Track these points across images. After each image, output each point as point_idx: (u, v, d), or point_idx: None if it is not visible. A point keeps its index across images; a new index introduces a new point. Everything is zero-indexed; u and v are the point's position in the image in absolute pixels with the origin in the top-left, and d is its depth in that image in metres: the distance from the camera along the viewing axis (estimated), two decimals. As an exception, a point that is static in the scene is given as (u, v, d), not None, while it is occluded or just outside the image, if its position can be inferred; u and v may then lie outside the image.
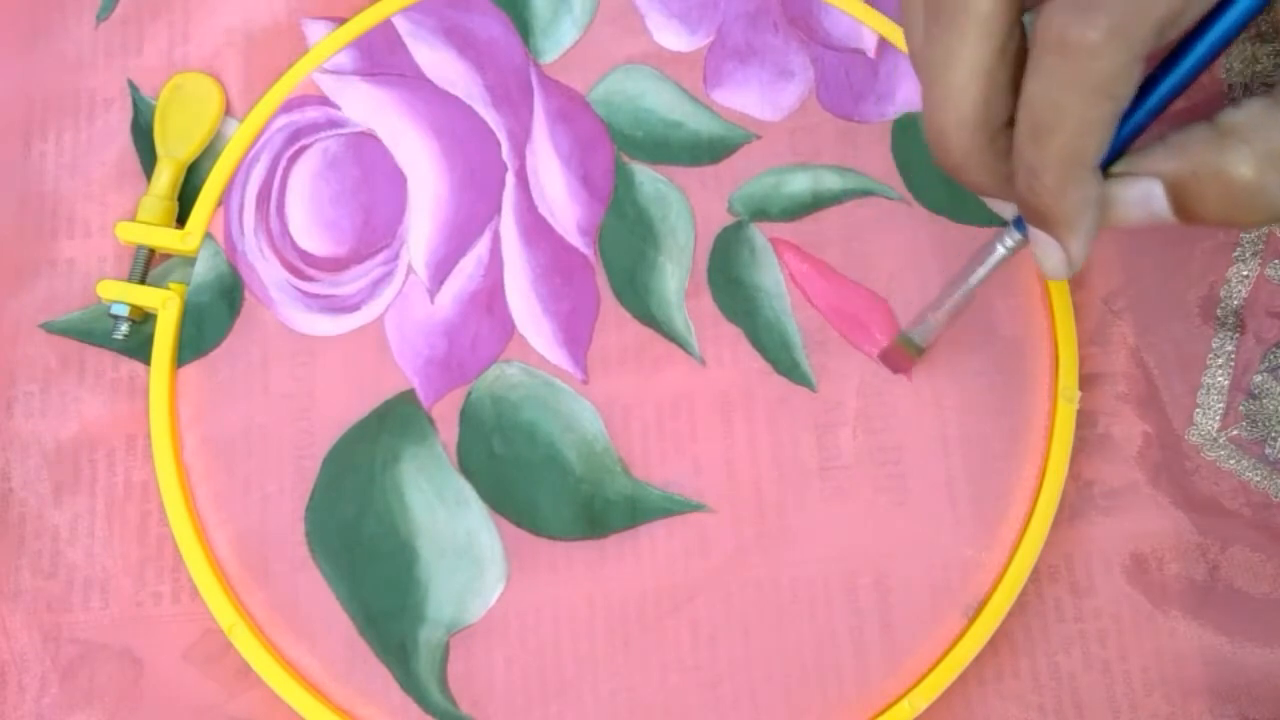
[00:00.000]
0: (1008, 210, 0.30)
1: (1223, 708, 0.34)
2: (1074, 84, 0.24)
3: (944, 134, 0.27)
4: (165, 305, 0.37)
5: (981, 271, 0.31)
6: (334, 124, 0.39)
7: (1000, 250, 0.31)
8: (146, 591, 0.35)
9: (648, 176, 0.38)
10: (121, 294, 0.37)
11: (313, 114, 0.39)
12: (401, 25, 0.40)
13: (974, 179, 0.28)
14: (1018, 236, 0.30)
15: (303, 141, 0.38)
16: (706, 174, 0.38)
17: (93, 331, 0.37)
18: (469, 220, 0.38)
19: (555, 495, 0.35)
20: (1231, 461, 0.36)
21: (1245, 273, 0.37)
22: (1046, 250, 0.27)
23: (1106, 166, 0.27)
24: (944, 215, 0.37)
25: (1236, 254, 0.37)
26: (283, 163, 0.38)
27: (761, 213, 0.38)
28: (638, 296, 0.37)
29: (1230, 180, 0.25)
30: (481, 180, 0.38)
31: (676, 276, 0.37)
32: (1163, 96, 0.27)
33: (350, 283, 0.37)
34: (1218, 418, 0.36)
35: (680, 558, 0.35)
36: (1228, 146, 0.25)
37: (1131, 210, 0.27)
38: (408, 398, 0.36)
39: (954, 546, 0.35)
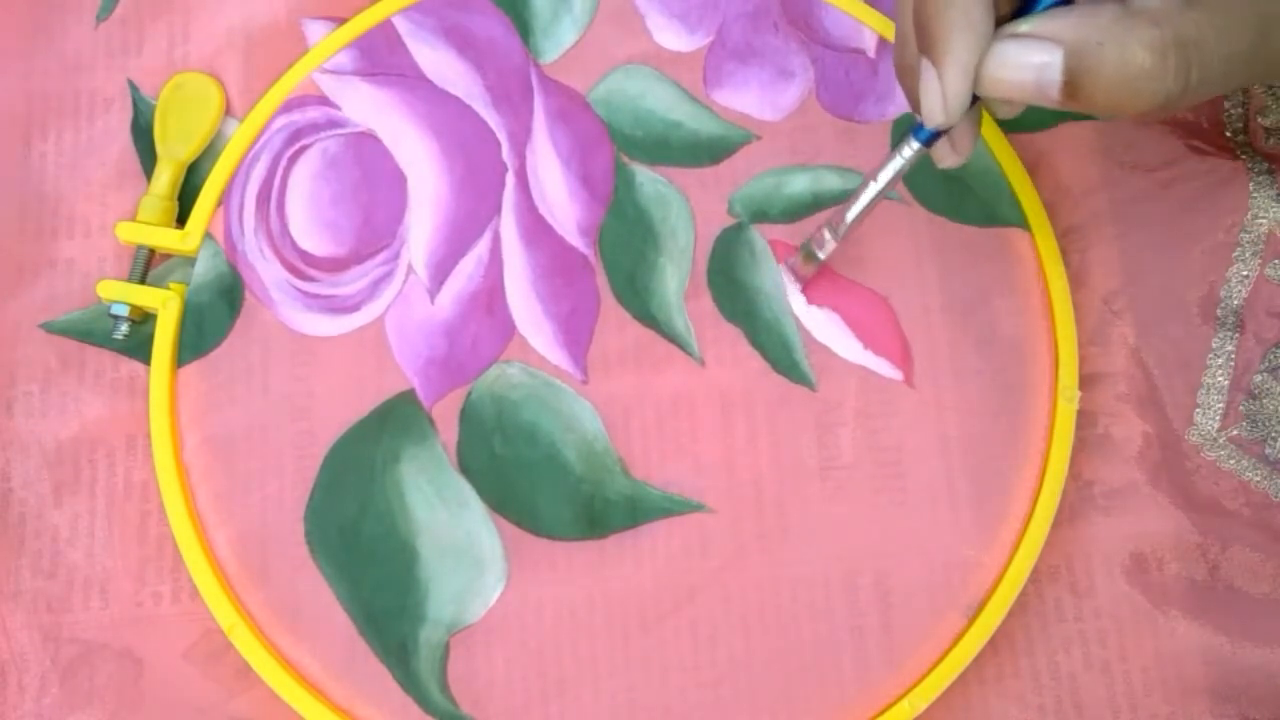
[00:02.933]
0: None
1: (1223, 708, 0.34)
2: None
3: (904, 36, 0.29)
4: (165, 305, 0.37)
5: (882, 180, 0.32)
6: (334, 124, 0.39)
7: (898, 160, 0.31)
8: (146, 591, 0.35)
9: (648, 177, 0.38)
10: (121, 294, 0.37)
11: (313, 114, 0.39)
12: (401, 25, 0.40)
13: (916, 84, 0.29)
14: (916, 145, 0.31)
15: (303, 141, 0.38)
16: (706, 175, 0.38)
17: (93, 331, 0.37)
18: (469, 220, 0.38)
19: (555, 495, 0.35)
20: (1231, 461, 0.36)
21: (1245, 273, 0.37)
22: (928, 85, 0.28)
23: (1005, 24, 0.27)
24: (944, 215, 0.37)
25: (1236, 254, 0.37)
26: (283, 163, 0.38)
27: (762, 214, 0.38)
28: (638, 297, 0.37)
29: (1131, 59, 0.25)
30: (481, 180, 0.38)
31: (676, 277, 0.37)
32: None
33: (350, 283, 0.37)
34: (1218, 418, 0.36)
35: (680, 558, 0.35)
36: (1137, 25, 0.25)
37: (1020, 74, 0.27)
38: (408, 398, 0.36)
39: (954, 546, 0.35)
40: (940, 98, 0.28)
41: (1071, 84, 0.26)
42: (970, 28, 0.27)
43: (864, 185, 0.33)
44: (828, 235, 0.34)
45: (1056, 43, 0.26)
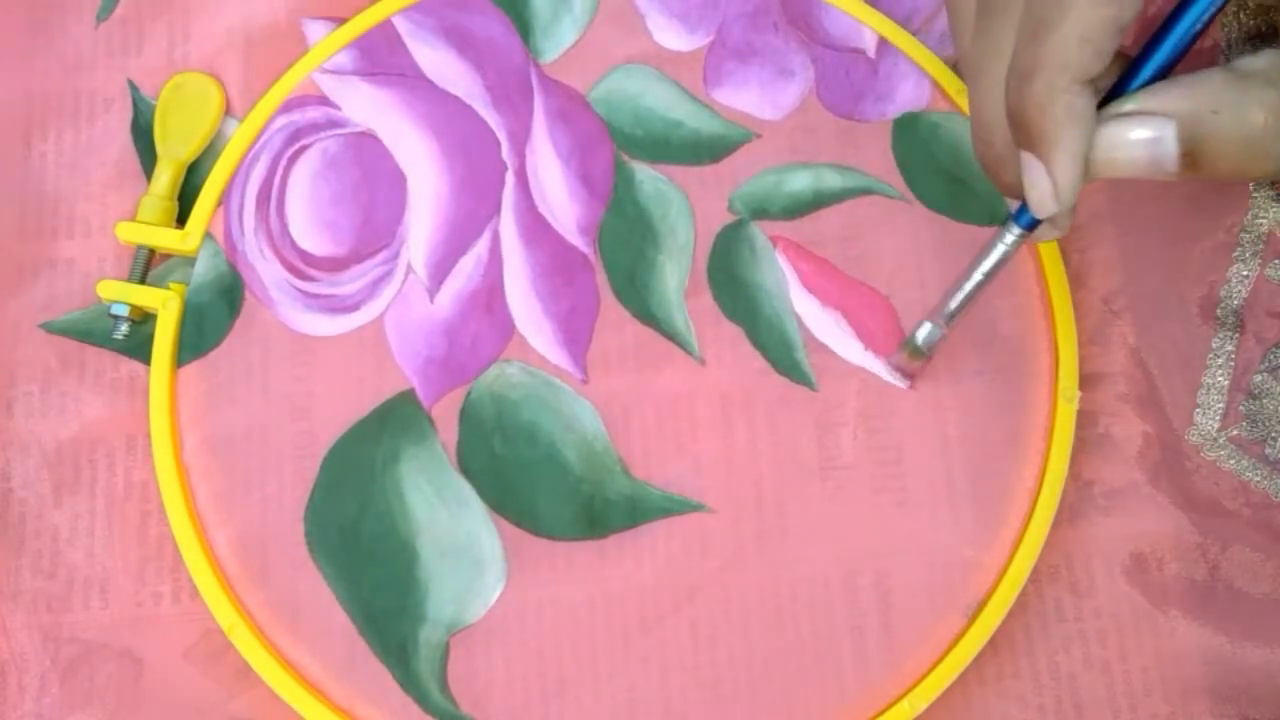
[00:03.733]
0: (1015, 207, 0.30)
1: (1223, 708, 0.34)
2: None
3: (987, 126, 0.27)
4: (165, 305, 0.37)
5: (985, 267, 0.31)
6: (334, 124, 0.39)
7: (1000, 247, 0.31)
8: (146, 591, 0.35)
9: (648, 176, 0.38)
10: (121, 294, 0.37)
11: (313, 114, 0.39)
12: (401, 25, 0.39)
13: (1013, 173, 0.28)
14: (1017, 231, 0.30)
15: (303, 141, 0.38)
16: (707, 173, 0.38)
17: (93, 331, 0.37)
18: (469, 220, 0.38)
19: (555, 495, 0.35)
20: (1231, 461, 0.36)
21: (1245, 273, 0.37)
22: (1034, 176, 0.27)
23: (1107, 104, 0.26)
24: (944, 214, 0.37)
25: (1236, 254, 0.37)
26: (283, 163, 0.38)
27: (762, 211, 0.38)
28: (638, 296, 0.37)
29: (1251, 121, 0.25)
30: (481, 180, 0.38)
31: (676, 276, 0.37)
32: (1167, 51, 0.26)
33: (350, 283, 0.37)
34: (1218, 418, 0.36)
35: (680, 558, 0.35)
36: (1249, 88, 0.25)
37: (1134, 152, 0.26)
38: (408, 398, 0.36)
39: (954, 546, 0.35)
40: (1051, 190, 0.27)
41: (1190, 155, 0.25)
42: (1077, 120, 0.26)
43: (967, 274, 0.32)
44: (930, 326, 0.33)
45: (1168, 116, 0.25)
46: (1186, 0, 0.26)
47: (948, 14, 0.29)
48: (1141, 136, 0.26)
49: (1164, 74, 0.27)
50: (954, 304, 0.32)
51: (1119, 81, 0.27)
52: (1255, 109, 0.25)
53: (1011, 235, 0.31)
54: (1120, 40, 0.25)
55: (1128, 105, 0.26)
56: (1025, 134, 0.27)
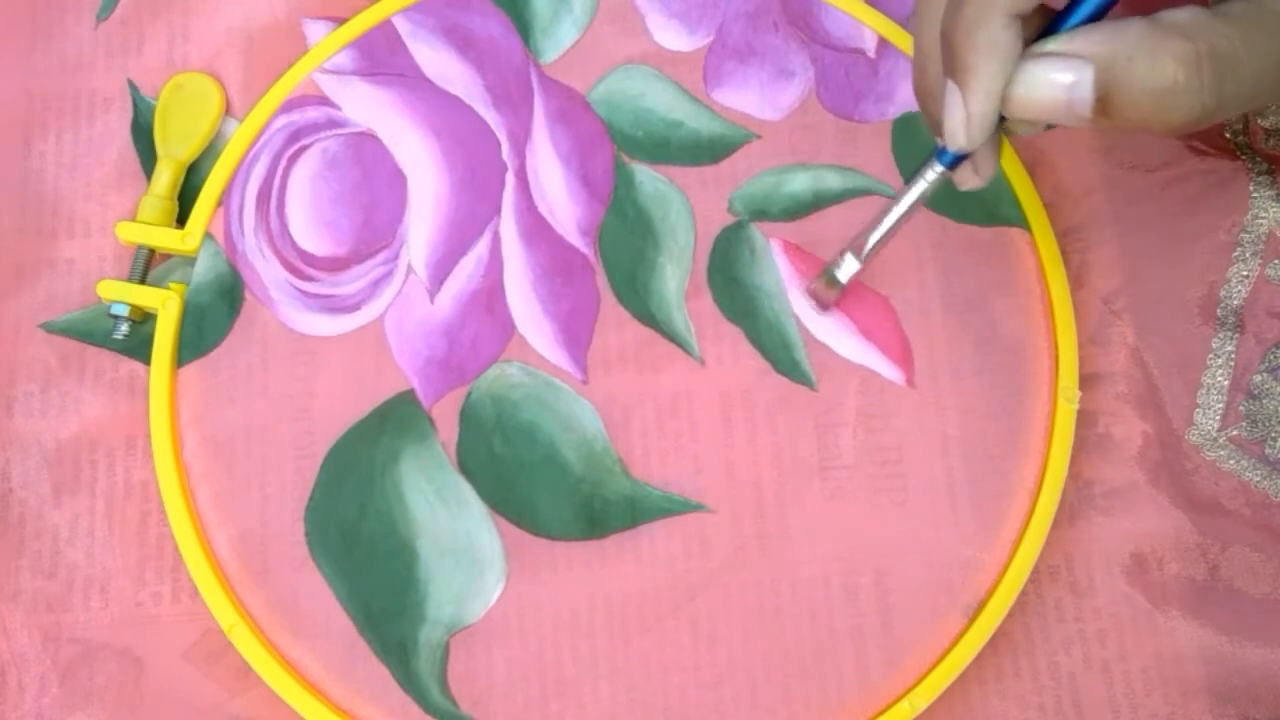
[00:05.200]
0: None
1: (1223, 708, 0.34)
2: None
3: (923, 56, 0.28)
4: (165, 305, 0.37)
5: (905, 203, 0.32)
6: (334, 124, 0.39)
7: (921, 183, 0.31)
8: (146, 591, 0.35)
9: (648, 176, 0.38)
10: (121, 294, 0.37)
11: (313, 114, 0.39)
12: (401, 25, 0.39)
13: (938, 107, 0.28)
14: (938, 168, 0.31)
15: (303, 141, 0.38)
16: (706, 174, 0.38)
17: (93, 331, 0.37)
18: (469, 220, 0.38)
19: (555, 495, 0.35)
20: (1231, 461, 0.36)
21: (1245, 273, 0.37)
22: (952, 108, 0.27)
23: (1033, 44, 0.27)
24: (944, 214, 0.37)
25: (1236, 254, 0.37)
26: (283, 163, 0.38)
27: (762, 212, 0.38)
28: (638, 296, 0.37)
29: (1163, 72, 0.25)
30: (481, 180, 0.38)
31: (676, 276, 0.37)
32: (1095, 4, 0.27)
33: (350, 283, 0.37)
34: (1218, 418, 0.36)
35: (680, 558, 0.35)
36: (1168, 38, 0.25)
37: (1050, 92, 0.26)
38: (408, 398, 0.36)
39: (954, 546, 0.35)
40: (964, 122, 0.27)
41: (1103, 100, 0.26)
42: (998, 52, 0.26)
43: (887, 209, 0.32)
44: (850, 258, 0.34)
45: (1086, 60, 0.26)
46: None
47: None
48: (1059, 77, 0.26)
49: (1096, 19, 0.27)
50: (874, 238, 0.33)
51: (1047, 26, 0.27)
52: (1169, 60, 0.25)
53: (933, 172, 0.31)
54: None
55: (1049, 45, 0.26)
56: (951, 62, 0.27)
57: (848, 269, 0.34)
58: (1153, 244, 0.37)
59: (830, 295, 0.36)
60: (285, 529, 0.35)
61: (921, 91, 0.30)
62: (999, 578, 0.34)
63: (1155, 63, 0.25)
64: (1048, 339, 0.36)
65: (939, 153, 0.30)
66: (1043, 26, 0.27)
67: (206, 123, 0.39)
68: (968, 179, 0.31)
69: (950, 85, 0.27)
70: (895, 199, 0.32)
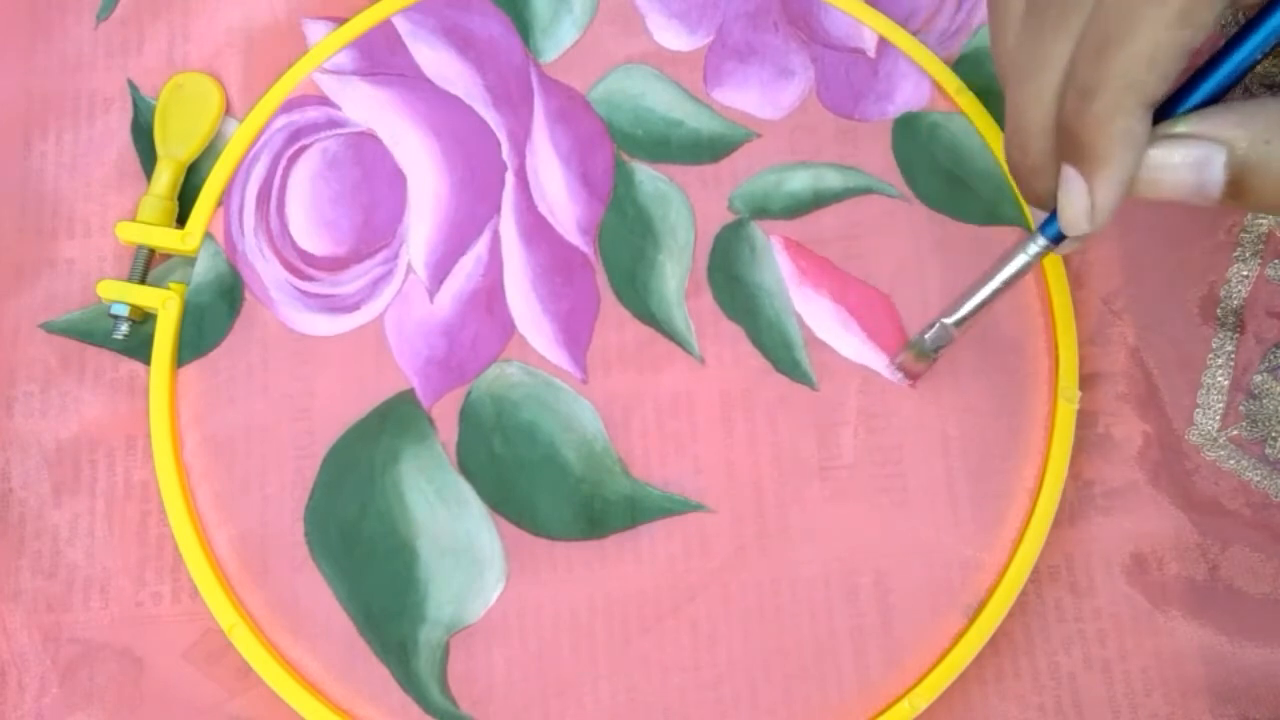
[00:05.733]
0: (1040, 217, 0.29)
1: (1223, 708, 0.34)
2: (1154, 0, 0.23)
3: (1026, 133, 0.27)
4: (165, 305, 0.37)
5: (1004, 275, 0.30)
6: (334, 124, 0.39)
7: (1023, 257, 0.30)
8: (146, 591, 0.35)
9: (648, 175, 0.38)
10: (121, 294, 0.37)
11: (313, 114, 0.39)
12: (401, 25, 0.39)
13: (1046, 184, 0.27)
14: (1042, 243, 0.29)
15: (303, 141, 0.38)
16: (706, 173, 0.38)
17: (93, 331, 0.37)
18: (469, 220, 0.38)
19: (555, 495, 0.35)
20: (1231, 461, 0.36)
21: (1245, 273, 0.37)
22: (1073, 195, 0.26)
23: (1158, 120, 0.26)
24: (944, 213, 0.37)
25: (1236, 254, 0.37)
26: (283, 163, 0.38)
27: (762, 211, 0.38)
28: (638, 295, 0.37)
29: None
30: (481, 180, 0.38)
31: (676, 275, 0.37)
32: (1230, 70, 0.26)
33: (350, 282, 0.37)
34: (1218, 418, 0.36)
35: (680, 558, 0.35)
36: None
37: (1180, 175, 0.25)
38: (407, 397, 0.36)
39: (954, 546, 0.35)
40: (1088, 209, 0.26)
41: (1236, 184, 0.25)
42: (1132, 144, 0.25)
43: (984, 280, 0.31)
44: (941, 328, 0.33)
45: (1219, 142, 0.25)
46: (1249, 25, 0.25)
47: (988, 8, 0.28)
48: (1190, 160, 0.25)
49: (1216, 99, 0.26)
50: (967, 309, 0.32)
51: (1167, 103, 0.26)
52: None
53: (1036, 246, 0.30)
54: (1186, 64, 0.24)
55: (1179, 127, 0.25)
56: (1075, 150, 0.26)
57: (937, 338, 0.33)
58: (1153, 244, 0.37)
59: (919, 367, 0.35)
60: (285, 529, 0.35)
61: (1023, 170, 0.28)
62: (999, 578, 0.34)
63: None
64: (1048, 339, 0.36)
65: (1044, 227, 0.29)
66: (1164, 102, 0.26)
67: (206, 123, 0.39)
68: (1068, 246, 0.29)
69: (1070, 173, 0.26)
70: (993, 270, 0.31)
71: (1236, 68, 0.26)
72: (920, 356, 0.35)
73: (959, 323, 0.32)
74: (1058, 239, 0.29)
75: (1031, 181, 0.28)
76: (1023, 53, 0.26)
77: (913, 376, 0.36)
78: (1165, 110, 0.26)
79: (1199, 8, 0.23)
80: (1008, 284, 0.31)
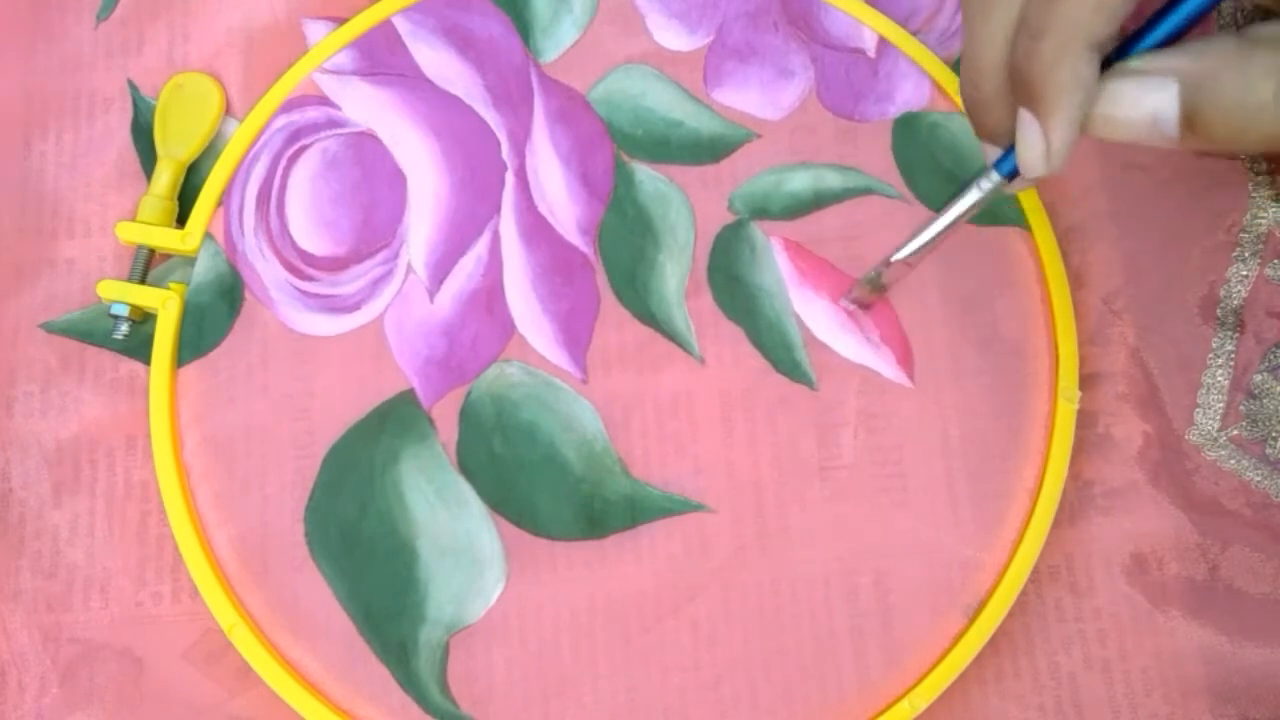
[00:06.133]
0: (994, 154, 0.30)
1: (1223, 708, 0.34)
2: None
3: (979, 67, 0.27)
4: (165, 305, 0.37)
5: (957, 210, 0.31)
6: (334, 124, 0.39)
7: (975, 193, 0.30)
8: (146, 591, 0.35)
9: (648, 175, 0.38)
10: (121, 294, 0.37)
11: (313, 114, 0.39)
12: (401, 25, 0.39)
13: (996, 118, 0.28)
14: (996, 179, 0.30)
15: (303, 141, 0.38)
16: (707, 173, 0.38)
17: (93, 331, 0.37)
18: (469, 220, 0.38)
19: (555, 495, 0.35)
20: (1232, 461, 0.36)
21: (1245, 273, 0.37)
22: (1029, 136, 0.27)
23: (1113, 62, 0.26)
24: (944, 215, 0.37)
25: (1236, 254, 0.37)
26: (283, 163, 0.38)
27: (762, 211, 0.38)
28: (637, 295, 0.37)
29: (1252, 87, 0.24)
30: (481, 180, 0.38)
31: (676, 275, 0.37)
32: (1180, 17, 0.26)
33: (350, 282, 0.37)
34: (1218, 417, 0.36)
35: (680, 558, 0.35)
36: (1258, 54, 0.24)
37: (1135, 112, 0.25)
38: (407, 397, 0.36)
39: (954, 546, 0.35)
40: (1044, 151, 0.26)
41: (1190, 118, 0.25)
42: (1080, 84, 0.25)
43: (938, 215, 0.31)
44: (891, 259, 0.33)
45: (1172, 77, 0.25)
46: None
47: None
48: (1143, 96, 0.25)
49: (1171, 41, 0.26)
50: (920, 242, 0.32)
51: (1123, 44, 0.26)
52: (1261, 76, 0.24)
53: (989, 183, 0.30)
54: (1131, 7, 0.25)
55: (1133, 64, 0.26)
56: (1026, 92, 0.26)
57: (891, 272, 0.33)
58: (1153, 244, 0.37)
59: (871, 298, 0.36)
60: (285, 529, 0.35)
61: (975, 105, 0.29)
62: (999, 578, 0.34)
63: (1244, 77, 0.24)
64: (1048, 339, 0.36)
65: (997, 164, 0.29)
66: (1119, 44, 0.26)
67: (206, 123, 0.39)
68: (1020, 184, 0.30)
69: (1026, 116, 0.26)
70: (947, 206, 0.31)
71: (1189, 13, 0.26)
72: (873, 289, 0.35)
73: (910, 256, 0.32)
74: (1010, 176, 0.29)
75: (983, 116, 0.28)
76: None
77: (865, 308, 0.36)
78: (1121, 55, 0.26)
79: None
80: (959, 219, 0.31)
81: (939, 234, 0.31)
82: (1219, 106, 0.25)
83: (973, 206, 0.31)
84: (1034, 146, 0.27)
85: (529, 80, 0.39)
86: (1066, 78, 0.25)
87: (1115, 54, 0.26)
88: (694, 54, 0.39)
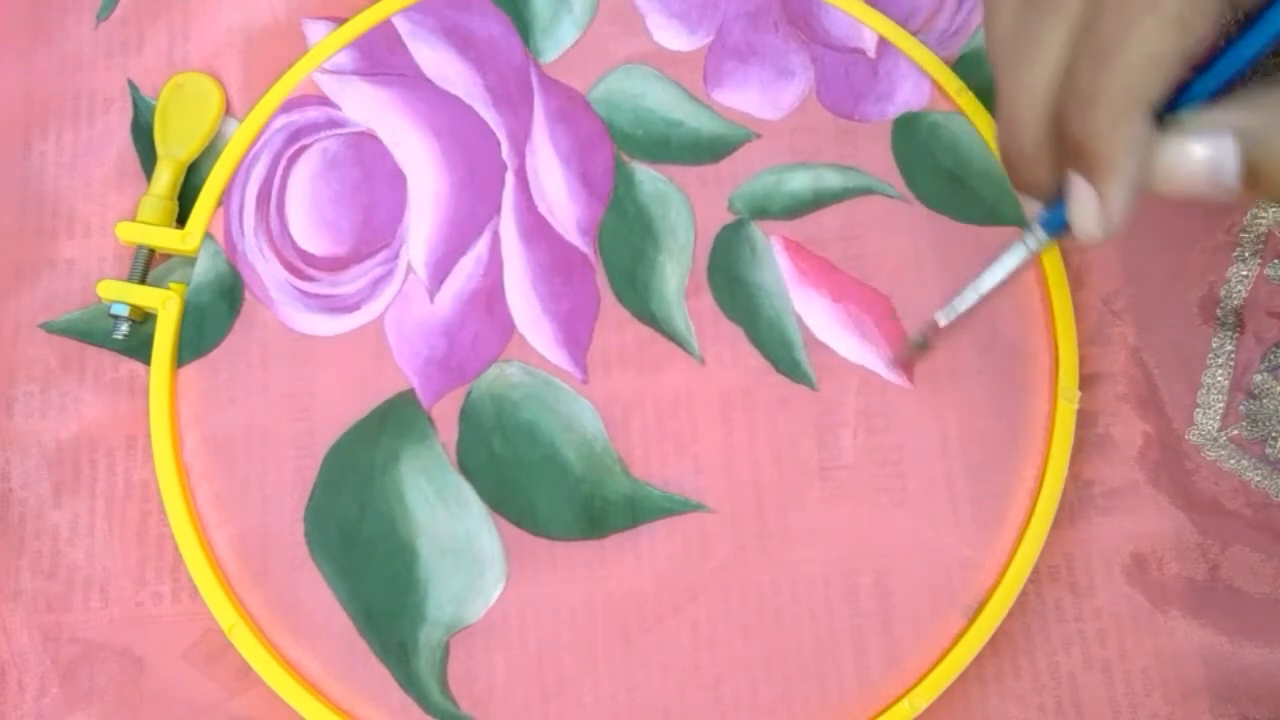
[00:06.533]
0: (1034, 208, 0.29)
1: (1223, 708, 0.34)
2: (1149, 5, 0.23)
3: (1018, 120, 0.26)
4: (165, 305, 0.37)
5: (1004, 270, 0.30)
6: (334, 124, 0.39)
7: (1023, 250, 0.30)
8: (146, 591, 0.35)
9: (647, 175, 0.38)
10: (121, 294, 0.37)
11: (313, 114, 0.39)
12: (401, 25, 0.39)
13: (1036, 173, 0.27)
14: (1043, 237, 0.29)
15: (303, 141, 0.38)
16: (706, 173, 0.38)
17: (93, 331, 0.37)
18: (469, 220, 0.38)
19: (555, 495, 0.35)
20: (1232, 461, 0.36)
21: (1245, 273, 0.37)
22: (1083, 203, 0.26)
23: (1165, 115, 0.25)
24: (944, 213, 0.37)
25: (1236, 254, 0.37)
26: (283, 163, 0.38)
27: (762, 211, 0.38)
28: (637, 295, 0.37)
29: None
30: (481, 180, 0.38)
31: (676, 275, 0.37)
32: (1231, 66, 0.25)
33: (350, 282, 0.37)
34: (1218, 417, 0.36)
35: (680, 558, 0.35)
36: None
37: (1194, 168, 0.25)
38: (407, 397, 0.36)
39: (954, 546, 0.35)
40: (1099, 215, 0.26)
41: (1253, 170, 0.24)
42: (1138, 147, 0.25)
43: (983, 274, 0.31)
44: (939, 320, 0.32)
45: (1229, 131, 0.24)
46: (1254, 19, 0.25)
47: None
48: (1203, 152, 0.25)
49: (1225, 89, 0.26)
50: (967, 303, 0.31)
51: (1173, 95, 0.26)
52: None
53: (1035, 242, 0.29)
54: (1185, 67, 0.24)
55: (1188, 120, 0.25)
56: (1081, 158, 0.25)
57: (934, 332, 0.33)
58: (1153, 244, 0.37)
59: (916, 358, 0.36)
60: (285, 529, 0.35)
61: (1015, 159, 0.28)
62: (999, 578, 0.34)
63: None
64: (1048, 339, 0.36)
65: (1045, 222, 0.29)
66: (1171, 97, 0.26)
67: (206, 123, 0.39)
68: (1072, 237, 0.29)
69: (1079, 180, 0.26)
70: (992, 265, 0.30)
71: (1239, 64, 0.25)
72: (917, 349, 0.35)
73: (955, 316, 0.32)
74: (1056, 233, 0.29)
75: (1022, 170, 0.28)
76: (1016, 39, 0.26)
77: (908, 368, 0.36)
78: (1172, 108, 0.26)
79: (1195, 14, 0.23)
80: (1005, 280, 0.30)
81: (984, 294, 0.31)
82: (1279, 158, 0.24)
83: (1019, 266, 0.30)
84: (1090, 211, 0.26)
85: (529, 80, 0.39)
86: (1123, 142, 0.25)
87: (1167, 107, 0.25)
88: (694, 54, 0.39)
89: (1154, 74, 0.24)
